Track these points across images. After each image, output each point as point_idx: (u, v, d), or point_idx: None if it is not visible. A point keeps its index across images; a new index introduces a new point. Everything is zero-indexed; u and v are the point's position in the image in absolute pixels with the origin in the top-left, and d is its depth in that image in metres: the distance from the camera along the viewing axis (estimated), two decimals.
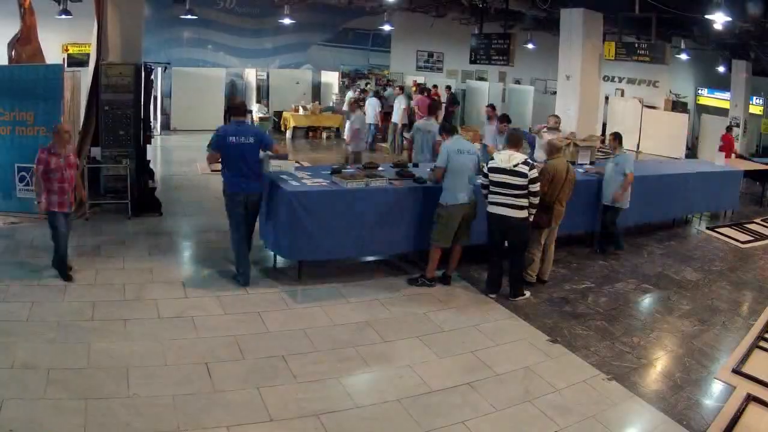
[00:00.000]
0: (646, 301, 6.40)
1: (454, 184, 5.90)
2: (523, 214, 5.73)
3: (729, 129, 13.01)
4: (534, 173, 5.67)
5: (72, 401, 3.72)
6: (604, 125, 19.20)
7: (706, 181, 9.38)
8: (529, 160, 5.75)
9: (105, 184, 7.86)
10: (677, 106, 19.70)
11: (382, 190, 6.20)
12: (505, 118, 9.29)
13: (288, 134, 15.40)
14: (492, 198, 5.79)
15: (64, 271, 5.60)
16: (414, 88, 18.01)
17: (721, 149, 12.50)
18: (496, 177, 5.71)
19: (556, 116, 9.84)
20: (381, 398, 4.10)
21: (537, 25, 15.09)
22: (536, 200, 5.77)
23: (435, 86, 17.66)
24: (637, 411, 4.21)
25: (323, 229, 5.88)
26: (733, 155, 12.36)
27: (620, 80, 20.49)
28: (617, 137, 7.69)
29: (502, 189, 5.70)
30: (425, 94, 14.62)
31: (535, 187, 5.69)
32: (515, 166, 5.62)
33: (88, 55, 10.33)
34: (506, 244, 5.92)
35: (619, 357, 4.92)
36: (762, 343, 5.28)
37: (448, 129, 6.36)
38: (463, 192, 5.92)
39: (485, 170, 5.83)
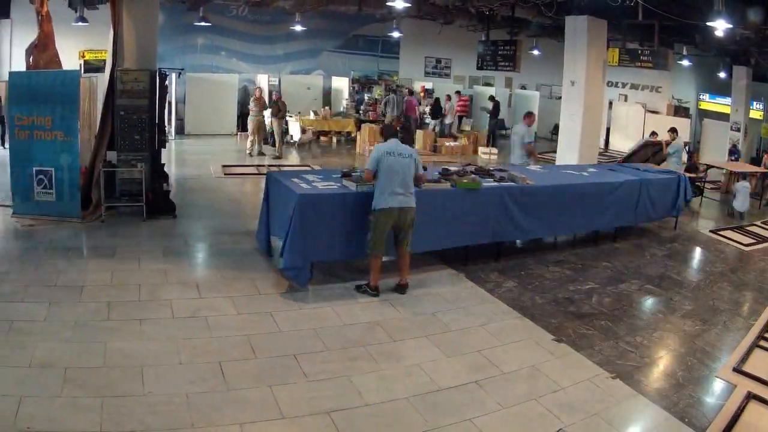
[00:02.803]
0: (649, 302, 6.45)
1: (382, 188, 5.69)
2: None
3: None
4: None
5: (88, 399, 3.76)
6: (608, 130, 19.31)
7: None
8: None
9: (120, 187, 7.93)
10: (679, 110, 19.76)
11: None
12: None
13: (297, 139, 15.50)
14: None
15: None
16: (422, 93, 18.35)
17: None
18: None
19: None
20: (390, 396, 4.14)
21: (542, 32, 15.18)
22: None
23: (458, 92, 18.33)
24: (640, 409, 4.26)
25: (333, 230, 5.94)
26: None
27: (624, 86, 20.61)
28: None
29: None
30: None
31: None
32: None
33: (104, 61, 10.40)
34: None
35: (622, 356, 4.98)
36: (762, 343, 5.33)
37: (386, 132, 6.19)
38: (392, 196, 5.67)
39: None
